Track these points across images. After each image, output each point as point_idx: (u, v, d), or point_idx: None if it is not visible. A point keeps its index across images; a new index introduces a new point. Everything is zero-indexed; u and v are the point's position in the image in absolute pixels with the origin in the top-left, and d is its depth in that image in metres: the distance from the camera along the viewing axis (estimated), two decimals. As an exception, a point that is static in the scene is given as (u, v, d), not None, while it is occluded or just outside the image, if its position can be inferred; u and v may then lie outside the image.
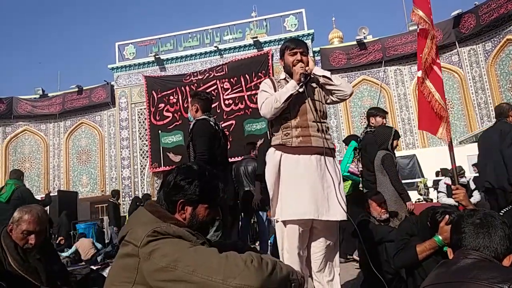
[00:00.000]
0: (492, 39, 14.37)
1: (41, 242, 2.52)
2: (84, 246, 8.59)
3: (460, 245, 1.45)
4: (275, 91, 2.64)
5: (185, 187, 1.50)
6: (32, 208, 2.58)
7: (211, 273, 1.22)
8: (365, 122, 15.84)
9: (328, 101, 2.75)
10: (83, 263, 8.28)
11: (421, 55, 2.86)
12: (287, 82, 2.64)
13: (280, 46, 2.84)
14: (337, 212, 2.50)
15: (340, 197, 2.51)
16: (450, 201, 7.14)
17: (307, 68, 2.60)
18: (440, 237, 2.56)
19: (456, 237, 1.48)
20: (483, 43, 14.58)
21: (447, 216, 2.55)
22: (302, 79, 2.54)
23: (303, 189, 2.47)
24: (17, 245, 2.42)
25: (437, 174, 10.94)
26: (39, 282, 2.39)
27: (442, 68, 3.05)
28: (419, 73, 2.88)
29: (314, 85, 2.71)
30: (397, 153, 15.37)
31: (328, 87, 2.67)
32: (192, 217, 1.51)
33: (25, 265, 2.38)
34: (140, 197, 12.42)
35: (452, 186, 2.66)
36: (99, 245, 8.83)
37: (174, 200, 1.50)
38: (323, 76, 2.64)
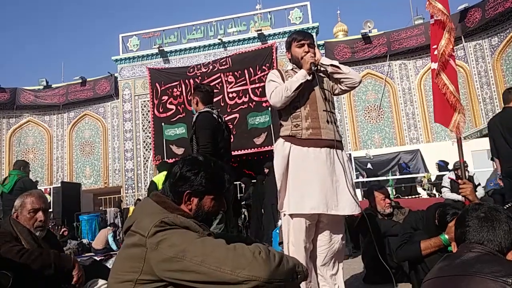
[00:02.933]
0: (498, 34, 14.25)
1: (47, 223, 2.52)
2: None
3: (464, 238, 1.44)
4: (283, 81, 2.64)
5: (191, 178, 1.49)
6: (31, 191, 2.61)
7: (219, 263, 1.22)
8: (369, 116, 15.92)
9: (337, 91, 2.74)
10: (92, 253, 8.35)
11: (434, 47, 2.81)
12: (295, 73, 2.64)
13: (284, 39, 2.83)
14: (346, 206, 2.50)
15: (351, 191, 2.51)
16: (454, 196, 7.14)
17: (315, 58, 2.60)
18: (446, 236, 2.56)
19: (460, 231, 1.47)
20: (489, 38, 14.46)
21: (456, 216, 2.54)
22: (313, 67, 2.54)
23: (312, 183, 2.46)
24: (30, 230, 2.40)
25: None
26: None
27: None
28: (434, 65, 2.83)
29: (322, 75, 2.71)
30: (401, 148, 15.29)
31: (336, 75, 2.66)
32: (198, 208, 1.51)
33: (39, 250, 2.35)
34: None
35: (459, 181, 2.66)
36: (114, 247, 8.72)
37: (180, 191, 1.50)
38: (331, 65, 2.64)
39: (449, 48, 2.75)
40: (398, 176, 11.53)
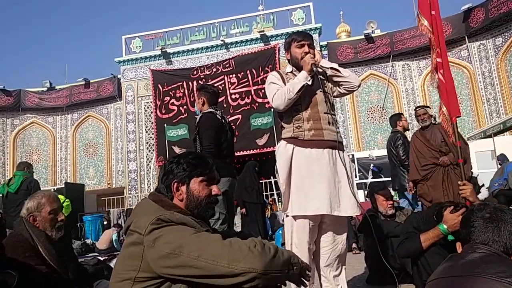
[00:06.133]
0: (502, 34, 14.19)
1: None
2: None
3: (469, 239, 1.43)
4: (283, 83, 2.63)
5: (173, 168, 1.56)
6: (43, 191, 2.60)
7: (216, 257, 1.25)
8: (372, 117, 15.91)
9: (336, 93, 2.73)
10: (96, 253, 8.37)
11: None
12: (294, 75, 2.63)
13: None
14: (348, 208, 2.50)
15: (352, 191, 2.50)
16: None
17: (315, 59, 2.59)
18: (444, 226, 2.55)
19: (465, 231, 1.47)
20: (493, 38, 14.40)
21: (452, 206, 2.55)
22: (314, 69, 2.53)
23: (316, 184, 2.46)
24: (47, 235, 2.35)
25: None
26: (66, 275, 2.32)
27: (450, 63, 3.03)
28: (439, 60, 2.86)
29: (321, 77, 2.70)
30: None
31: (336, 79, 2.65)
32: (188, 195, 1.54)
33: (55, 256, 2.30)
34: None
35: (459, 182, 2.64)
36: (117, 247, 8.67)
37: (168, 184, 1.55)
38: (331, 68, 2.63)
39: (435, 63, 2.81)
40: (370, 180, 11.50)
